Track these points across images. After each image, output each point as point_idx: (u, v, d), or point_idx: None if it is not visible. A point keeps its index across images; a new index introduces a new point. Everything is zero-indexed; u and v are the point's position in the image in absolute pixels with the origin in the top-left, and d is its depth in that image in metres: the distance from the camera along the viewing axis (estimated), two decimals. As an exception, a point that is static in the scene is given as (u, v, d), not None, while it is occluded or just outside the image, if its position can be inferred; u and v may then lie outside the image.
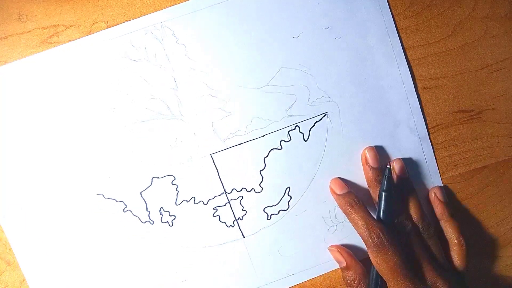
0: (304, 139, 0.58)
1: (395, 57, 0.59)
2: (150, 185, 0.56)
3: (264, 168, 0.58)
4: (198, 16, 0.56)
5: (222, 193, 0.57)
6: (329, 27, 0.58)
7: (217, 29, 0.56)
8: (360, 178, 0.59)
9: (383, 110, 0.59)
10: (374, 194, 0.57)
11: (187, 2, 0.56)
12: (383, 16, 0.58)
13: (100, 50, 0.55)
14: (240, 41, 0.57)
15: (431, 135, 0.61)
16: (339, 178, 0.58)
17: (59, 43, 0.55)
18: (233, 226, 0.58)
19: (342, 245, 0.59)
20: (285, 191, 0.58)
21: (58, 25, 0.55)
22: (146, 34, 0.55)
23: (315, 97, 0.58)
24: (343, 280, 0.57)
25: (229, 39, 0.57)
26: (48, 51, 0.54)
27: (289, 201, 0.58)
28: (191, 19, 0.56)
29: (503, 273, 0.63)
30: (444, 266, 0.56)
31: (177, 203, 0.57)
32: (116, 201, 0.56)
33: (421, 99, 0.60)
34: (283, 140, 0.58)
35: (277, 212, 0.58)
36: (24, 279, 0.55)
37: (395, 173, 0.57)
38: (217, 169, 0.57)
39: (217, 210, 0.57)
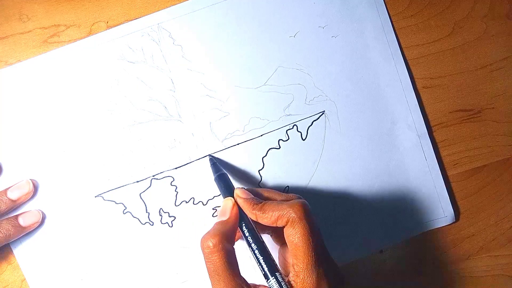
0: (302, 138, 0.58)
1: (392, 55, 0.59)
2: (149, 186, 0.56)
3: (263, 167, 0.58)
4: (194, 17, 0.56)
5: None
6: (325, 26, 0.58)
7: (213, 30, 0.57)
8: (359, 176, 0.59)
9: (381, 108, 0.59)
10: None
11: (183, 3, 0.56)
12: (379, 14, 0.59)
13: (97, 53, 0.55)
14: (237, 41, 0.57)
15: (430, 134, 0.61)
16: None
17: (59, 43, 0.55)
18: (232, 227, 0.58)
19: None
20: (284, 191, 0.58)
21: (59, 25, 0.55)
22: (142, 36, 0.55)
23: (312, 96, 0.58)
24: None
25: (226, 39, 0.57)
26: (46, 54, 0.55)
27: (288, 200, 0.58)
28: (187, 20, 0.56)
29: (503, 272, 0.63)
30: None
31: (176, 204, 0.57)
32: (116, 203, 0.56)
33: (421, 98, 0.60)
34: (281, 140, 0.58)
35: (276, 212, 0.58)
36: (24, 279, 0.55)
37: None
38: (215, 169, 0.57)
39: (216, 210, 0.57)
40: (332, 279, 0.44)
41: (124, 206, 0.56)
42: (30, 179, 0.54)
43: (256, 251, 0.46)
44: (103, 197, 0.55)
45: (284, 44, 0.57)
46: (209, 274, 0.44)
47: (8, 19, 0.55)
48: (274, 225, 0.45)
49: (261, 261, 0.45)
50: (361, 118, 0.59)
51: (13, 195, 0.53)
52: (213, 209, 0.57)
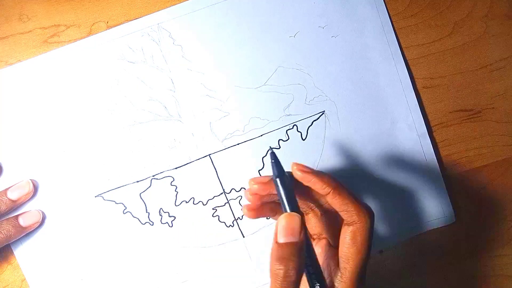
0: (302, 138, 0.58)
1: (392, 54, 0.59)
2: (149, 186, 0.56)
3: (263, 167, 0.58)
4: (194, 17, 0.56)
5: (221, 193, 0.57)
6: (325, 26, 0.58)
7: (213, 30, 0.57)
8: (359, 176, 0.59)
9: (381, 108, 0.59)
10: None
11: (183, 3, 0.56)
12: (379, 14, 0.59)
13: (97, 53, 0.55)
14: (237, 41, 0.57)
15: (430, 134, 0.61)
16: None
17: (59, 43, 0.55)
18: (232, 226, 0.58)
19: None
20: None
21: (59, 25, 0.55)
22: (143, 36, 0.56)
23: (312, 96, 0.58)
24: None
25: (226, 39, 0.57)
26: (46, 54, 0.55)
27: (288, 200, 0.58)
28: (187, 20, 0.56)
29: (504, 272, 0.63)
30: None
31: (176, 204, 0.57)
32: (116, 202, 0.56)
33: (421, 98, 0.60)
34: (281, 140, 0.58)
35: (276, 212, 0.58)
36: (24, 279, 0.55)
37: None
38: (215, 169, 0.57)
39: (216, 210, 0.57)
40: None
41: (124, 206, 0.56)
42: (30, 179, 0.54)
43: (313, 276, 0.41)
44: (103, 197, 0.56)
45: (284, 44, 0.57)
46: None
47: (8, 19, 0.55)
48: (336, 212, 0.42)
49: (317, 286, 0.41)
50: (361, 118, 0.59)
51: (13, 195, 0.53)
52: (213, 209, 0.57)
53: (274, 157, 0.44)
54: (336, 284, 0.42)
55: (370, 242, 0.42)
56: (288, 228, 0.41)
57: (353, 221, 0.42)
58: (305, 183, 0.43)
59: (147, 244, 0.56)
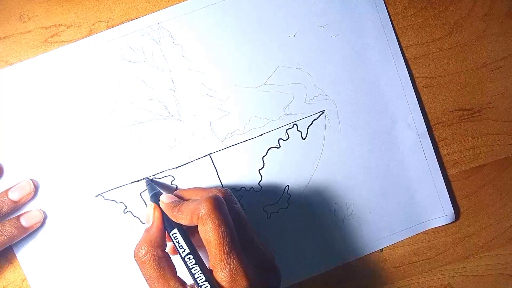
0: (302, 137, 0.58)
1: (392, 54, 0.59)
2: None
3: (263, 167, 0.58)
4: (195, 16, 0.56)
5: (221, 193, 0.57)
6: (325, 25, 0.58)
7: (213, 29, 0.57)
8: (359, 175, 0.59)
9: (381, 107, 0.59)
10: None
11: (183, 2, 0.56)
12: (379, 13, 0.59)
13: (97, 52, 0.55)
14: (237, 40, 0.57)
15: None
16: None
17: (60, 42, 0.55)
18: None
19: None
20: (284, 190, 0.58)
21: (59, 25, 0.55)
22: (143, 35, 0.56)
23: (312, 95, 0.58)
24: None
25: (226, 39, 0.57)
26: (46, 53, 0.55)
27: (288, 199, 0.58)
28: (187, 19, 0.56)
29: (503, 271, 0.63)
30: None
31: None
32: (116, 202, 0.56)
33: (421, 97, 0.61)
34: (281, 139, 0.58)
35: (276, 211, 0.58)
36: (25, 278, 0.55)
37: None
38: (216, 168, 0.57)
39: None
40: (254, 271, 0.43)
41: (125, 206, 0.56)
42: (31, 179, 0.54)
43: (186, 257, 0.45)
44: (103, 197, 0.56)
45: (284, 43, 0.58)
46: (146, 282, 0.46)
47: (9, 19, 0.55)
48: (192, 224, 0.44)
49: (191, 267, 0.44)
50: (361, 117, 0.59)
51: (14, 196, 0.53)
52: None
53: (148, 183, 0.55)
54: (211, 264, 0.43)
55: (222, 222, 0.43)
56: (146, 217, 0.49)
57: (198, 219, 0.44)
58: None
59: (148, 243, 0.56)
